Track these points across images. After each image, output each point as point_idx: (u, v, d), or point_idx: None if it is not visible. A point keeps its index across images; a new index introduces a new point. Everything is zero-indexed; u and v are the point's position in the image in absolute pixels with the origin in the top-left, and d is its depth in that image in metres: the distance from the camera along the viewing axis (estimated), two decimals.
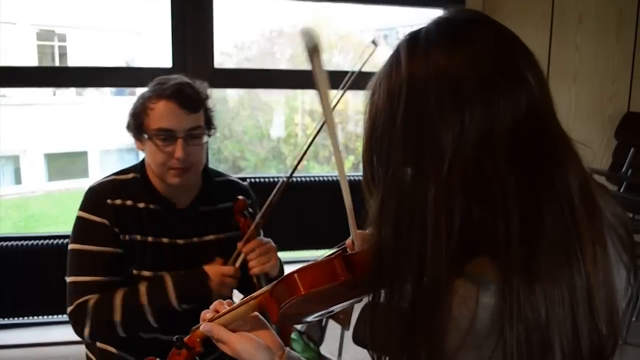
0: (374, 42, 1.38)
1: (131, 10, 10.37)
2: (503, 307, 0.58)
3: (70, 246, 1.36)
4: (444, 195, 0.60)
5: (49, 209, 9.94)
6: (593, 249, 0.61)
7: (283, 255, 2.95)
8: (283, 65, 10.65)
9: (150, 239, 1.39)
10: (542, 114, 0.63)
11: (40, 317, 2.89)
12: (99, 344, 1.44)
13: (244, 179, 2.55)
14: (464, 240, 0.60)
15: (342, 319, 1.81)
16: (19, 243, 2.85)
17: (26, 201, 10.03)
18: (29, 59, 9.89)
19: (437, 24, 0.66)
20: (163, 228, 1.40)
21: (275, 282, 0.78)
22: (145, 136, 1.36)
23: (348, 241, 0.79)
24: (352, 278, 0.71)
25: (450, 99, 0.61)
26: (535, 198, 0.60)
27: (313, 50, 0.59)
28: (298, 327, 1.85)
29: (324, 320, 1.90)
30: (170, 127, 1.33)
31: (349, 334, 1.77)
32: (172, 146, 1.33)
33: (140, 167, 1.43)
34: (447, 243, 0.60)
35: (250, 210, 1.45)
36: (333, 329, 1.89)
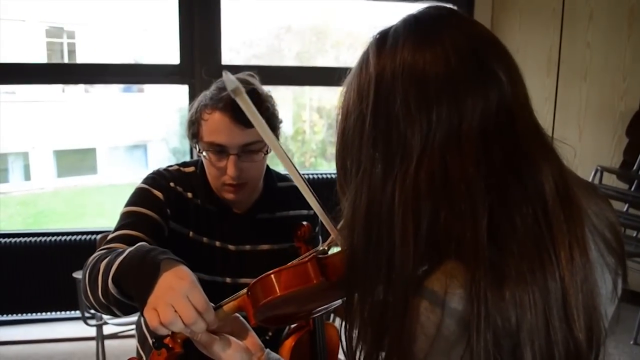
0: None
1: (139, 8, 10.40)
2: (470, 312, 0.56)
3: (122, 210, 1.26)
4: (411, 196, 0.59)
5: (58, 206, 10.01)
6: (570, 252, 0.59)
7: None
8: (290, 62, 10.65)
9: (205, 239, 1.31)
10: (514, 112, 0.61)
11: (48, 313, 2.91)
12: None
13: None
14: (433, 243, 0.59)
15: None
16: (28, 239, 2.87)
17: (35, 197, 10.10)
18: (38, 56, 9.95)
19: (405, 21, 0.65)
20: (217, 230, 1.32)
21: (252, 282, 0.77)
22: (198, 147, 1.28)
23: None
24: (325, 281, 0.71)
25: (417, 97, 0.60)
26: (505, 199, 0.58)
27: (236, 91, 0.60)
28: None
29: (332, 318, 1.90)
30: (222, 143, 1.23)
31: None
32: (225, 162, 1.24)
33: (200, 164, 1.34)
34: (415, 246, 0.58)
35: (313, 234, 1.33)
36: (339, 326, 1.89)
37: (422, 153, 0.59)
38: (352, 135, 0.64)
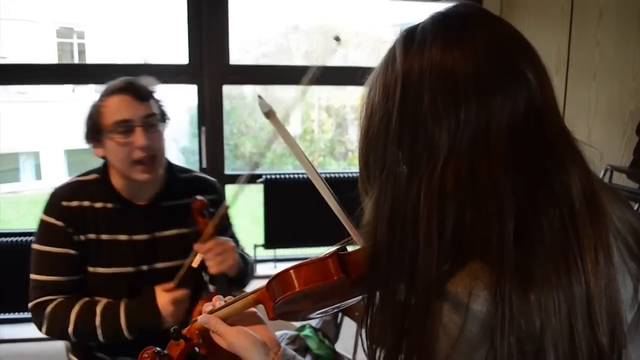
0: (336, 39, 1.42)
1: (148, 7, 10.43)
2: (494, 315, 0.55)
3: (32, 245, 1.43)
4: (437, 196, 0.58)
5: None
6: (595, 256, 0.58)
7: (301, 252, 2.94)
8: (299, 61, 10.65)
9: (104, 237, 1.41)
10: (542, 113, 0.61)
11: None
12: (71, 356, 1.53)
13: (259, 176, 2.58)
14: (457, 244, 0.59)
15: (358, 316, 1.81)
16: None
17: (46, 197, 10.16)
18: (49, 56, 10.01)
19: (434, 19, 0.64)
20: (120, 226, 1.43)
21: (272, 277, 0.78)
22: (104, 134, 1.37)
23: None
24: (345, 277, 0.71)
25: (444, 96, 0.59)
26: (532, 202, 0.58)
27: (269, 114, 0.62)
28: (313, 323, 1.85)
29: (340, 317, 1.90)
30: (127, 117, 1.36)
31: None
32: (132, 136, 1.35)
33: (102, 168, 1.47)
34: (439, 246, 0.58)
35: (210, 209, 1.45)
36: (349, 326, 1.89)
37: (449, 153, 0.59)
38: (376, 133, 0.64)
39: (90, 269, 1.42)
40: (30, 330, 2.80)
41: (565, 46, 3.09)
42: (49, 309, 1.37)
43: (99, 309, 1.36)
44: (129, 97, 1.37)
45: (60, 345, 1.65)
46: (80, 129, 1.42)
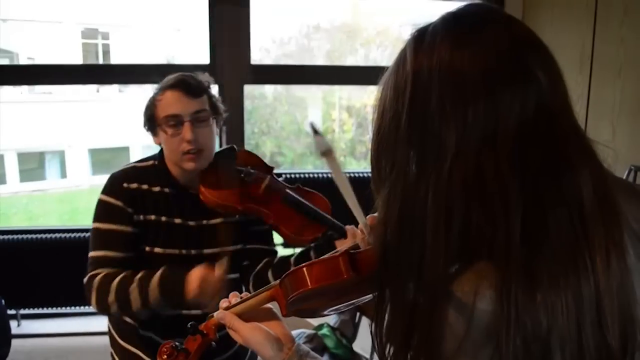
0: None
1: (171, 8, 10.55)
2: (500, 314, 0.55)
3: (92, 225, 1.51)
4: (444, 196, 0.59)
5: (93, 203, 10.21)
6: (607, 257, 0.57)
7: None
8: (320, 60, 10.66)
9: (163, 218, 1.50)
10: (552, 113, 0.60)
11: (83, 307, 2.98)
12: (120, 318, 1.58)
13: (279, 175, 2.59)
14: (464, 243, 0.59)
15: None
16: (65, 235, 2.94)
17: (71, 195, 10.34)
18: (74, 57, 10.19)
19: (444, 19, 0.64)
20: (176, 209, 1.52)
21: (285, 274, 0.79)
22: (158, 125, 1.48)
23: (360, 227, 0.82)
24: (356, 275, 0.72)
25: (453, 96, 0.59)
26: (539, 202, 0.58)
27: (327, 153, 0.63)
28: (331, 323, 1.86)
29: (358, 317, 1.91)
30: (176, 112, 1.45)
31: None
32: (181, 130, 1.45)
33: (159, 155, 1.57)
34: (446, 245, 0.58)
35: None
36: (366, 326, 1.89)
37: (457, 152, 0.59)
38: (387, 133, 0.64)
39: (147, 248, 1.49)
40: (59, 325, 2.86)
41: (589, 43, 3.04)
42: (98, 278, 1.43)
43: (137, 277, 1.41)
44: (181, 93, 1.46)
45: (104, 340, 1.66)
46: (142, 119, 1.54)
